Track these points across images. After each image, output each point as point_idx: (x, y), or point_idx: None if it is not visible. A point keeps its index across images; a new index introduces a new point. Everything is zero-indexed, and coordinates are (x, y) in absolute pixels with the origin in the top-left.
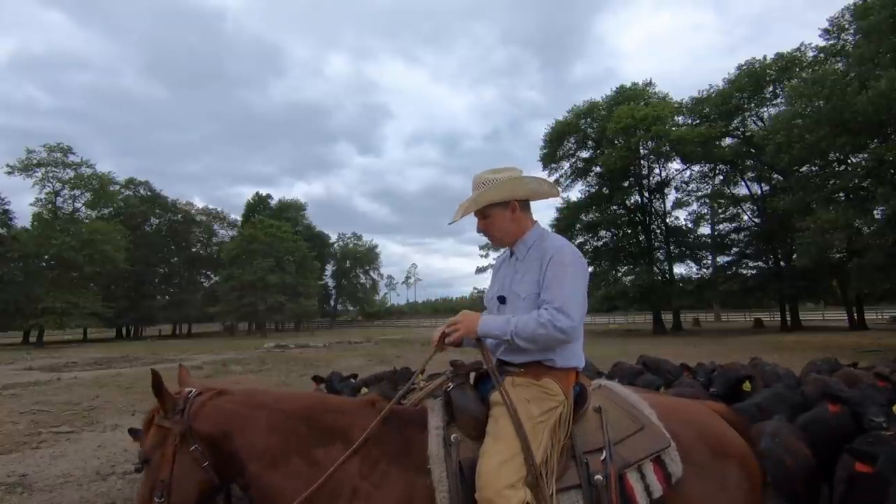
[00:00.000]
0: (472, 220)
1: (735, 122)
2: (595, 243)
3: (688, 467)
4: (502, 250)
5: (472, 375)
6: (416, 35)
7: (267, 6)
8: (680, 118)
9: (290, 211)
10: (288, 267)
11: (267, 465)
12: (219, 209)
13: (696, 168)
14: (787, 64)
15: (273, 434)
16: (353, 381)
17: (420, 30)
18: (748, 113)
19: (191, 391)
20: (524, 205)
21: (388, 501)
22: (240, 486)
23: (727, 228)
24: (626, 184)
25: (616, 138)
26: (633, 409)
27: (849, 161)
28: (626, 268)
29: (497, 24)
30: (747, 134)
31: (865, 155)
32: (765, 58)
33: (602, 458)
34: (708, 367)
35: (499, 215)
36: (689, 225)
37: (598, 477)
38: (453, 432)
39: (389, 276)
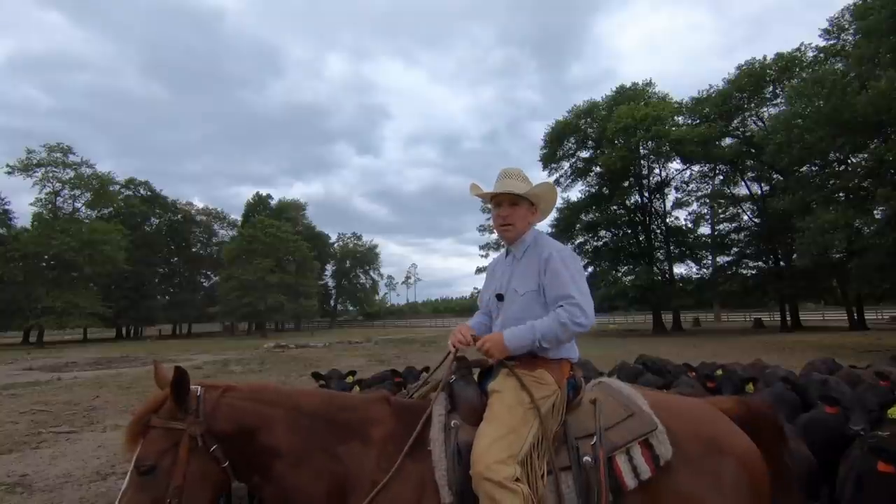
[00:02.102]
0: (472, 221)
1: (735, 122)
2: (595, 243)
3: (679, 461)
4: (499, 252)
5: (476, 371)
6: (413, 36)
7: (264, 7)
8: (680, 118)
9: (290, 211)
10: (288, 267)
11: (293, 463)
12: (219, 209)
13: (696, 168)
14: (787, 64)
15: (295, 432)
16: (348, 380)
17: (417, 31)
18: (748, 113)
19: (197, 389)
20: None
21: (404, 491)
22: (252, 485)
23: (727, 228)
24: (626, 184)
25: (616, 138)
26: (627, 399)
27: (849, 161)
28: (626, 268)
29: (495, 24)
30: (747, 134)
31: (865, 155)
32: (765, 58)
33: (592, 442)
34: (709, 365)
35: (525, 211)
36: (689, 225)
37: (587, 458)
38: (453, 419)
39: (389, 276)
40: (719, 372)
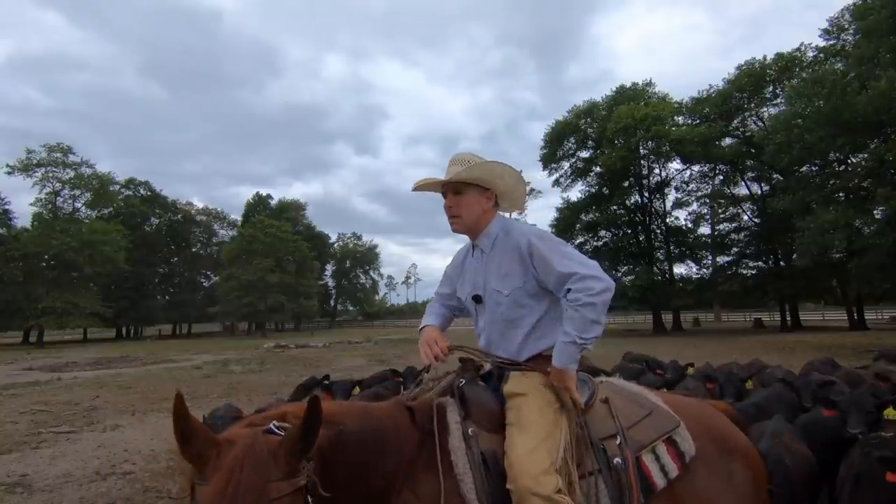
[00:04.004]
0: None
1: (735, 122)
2: (595, 243)
3: (697, 460)
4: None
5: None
6: (411, 36)
7: (262, 7)
8: (680, 118)
9: (290, 211)
10: (288, 267)
11: (342, 493)
12: (219, 209)
13: (696, 168)
14: (787, 64)
15: (350, 457)
16: (325, 383)
17: (415, 31)
18: (748, 113)
19: (273, 425)
20: (496, 199)
21: None
22: None
23: (727, 228)
24: (626, 184)
25: (616, 138)
26: (639, 396)
27: (849, 161)
28: (626, 268)
29: (493, 25)
30: (747, 134)
31: (865, 155)
32: (765, 58)
33: (617, 442)
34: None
35: (474, 199)
36: (689, 225)
37: (617, 460)
38: (470, 426)
39: (389, 276)
40: (690, 371)
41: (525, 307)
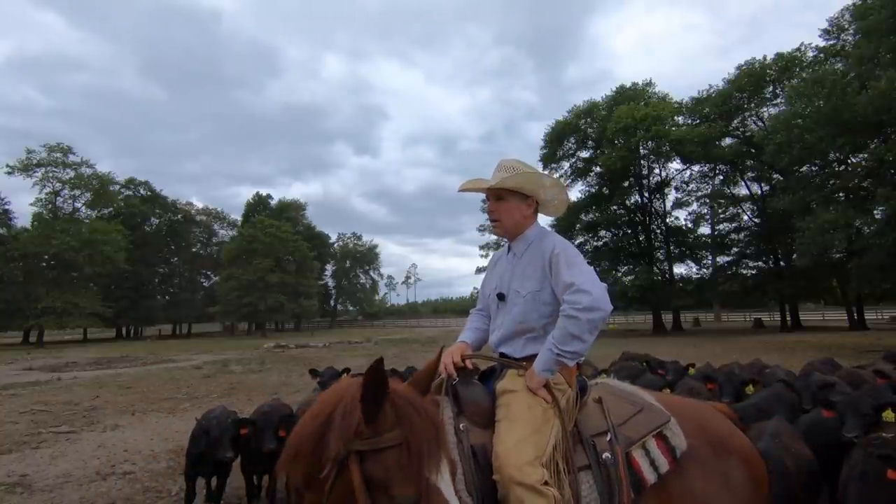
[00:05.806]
0: (471, 221)
1: (735, 122)
2: (595, 243)
3: (690, 460)
4: (500, 249)
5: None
6: (410, 36)
7: (261, 8)
8: (680, 118)
9: (290, 211)
10: (288, 267)
11: None
12: (218, 209)
13: (696, 168)
14: (787, 64)
15: None
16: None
17: (414, 31)
18: (748, 113)
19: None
20: (537, 206)
21: None
22: None
23: (727, 228)
24: (626, 184)
25: (616, 138)
26: (632, 395)
27: (849, 161)
28: (626, 268)
29: (491, 25)
30: (747, 134)
31: (865, 155)
32: (765, 58)
33: (608, 439)
34: (681, 366)
35: (514, 205)
36: (689, 225)
37: (607, 455)
38: (462, 422)
39: (389, 276)
40: (692, 371)
41: (537, 311)
